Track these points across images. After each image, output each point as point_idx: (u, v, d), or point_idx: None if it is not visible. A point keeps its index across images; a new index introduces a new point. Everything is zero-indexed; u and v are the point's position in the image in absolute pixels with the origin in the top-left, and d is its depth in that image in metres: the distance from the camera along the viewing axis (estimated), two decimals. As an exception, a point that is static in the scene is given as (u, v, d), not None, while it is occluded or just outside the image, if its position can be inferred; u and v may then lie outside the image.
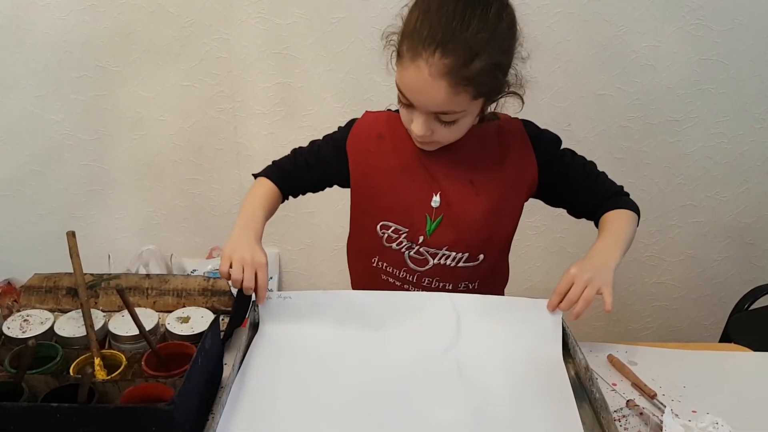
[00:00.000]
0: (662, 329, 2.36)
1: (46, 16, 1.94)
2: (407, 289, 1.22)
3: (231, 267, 1.05)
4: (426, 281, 1.21)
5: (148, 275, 1.23)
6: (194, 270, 2.22)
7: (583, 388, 1.03)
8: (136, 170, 2.17)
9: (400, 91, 1.03)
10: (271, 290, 1.10)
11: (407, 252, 1.19)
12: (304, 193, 1.29)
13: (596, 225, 1.22)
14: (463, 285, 1.22)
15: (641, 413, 0.99)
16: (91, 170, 2.17)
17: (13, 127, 2.09)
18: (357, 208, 1.25)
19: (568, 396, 0.98)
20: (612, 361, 1.14)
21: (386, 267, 1.22)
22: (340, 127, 1.25)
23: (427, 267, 1.19)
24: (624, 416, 1.00)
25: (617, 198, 1.22)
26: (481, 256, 1.19)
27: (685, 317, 2.33)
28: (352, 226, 1.29)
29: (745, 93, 1.97)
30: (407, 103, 1.03)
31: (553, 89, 1.97)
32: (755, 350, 1.22)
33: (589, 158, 1.23)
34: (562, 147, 1.22)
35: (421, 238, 1.17)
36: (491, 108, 1.11)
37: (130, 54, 2.00)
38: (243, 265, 1.04)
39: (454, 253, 1.18)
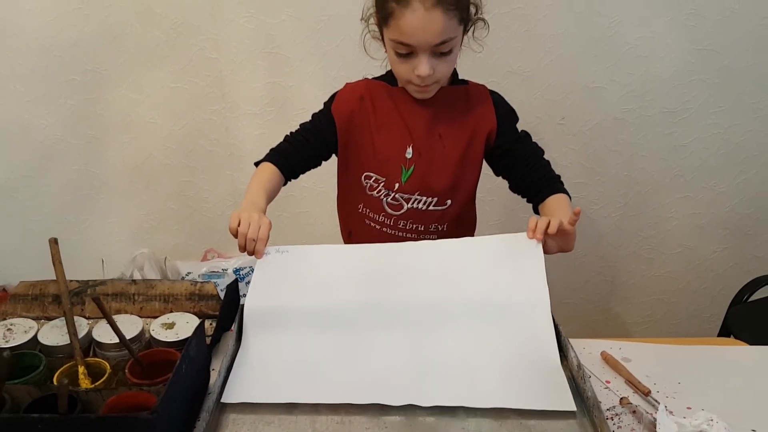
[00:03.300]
0: (661, 323, 2.34)
1: (32, 20, 1.93)
2: (385, 232, 1.37)
3: (239, 225, 1.13)
4: (401, 223, 1.36)
5: (134, 281, 1.21)
6: (189, 273, 2.20)
7: (576, 387, 1.01)
8: (127, 174, 2.16)
9: (398, 43, 1.17)
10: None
11: (385, 198, 1.35)
12: (304, 171, 1.40)
13: (534, 203, 1.34)
14: (433, 226, 1.37)
15: (634, 411, 0.97)
16: (82, 174, 2.15)
17: (1, 133, 2.08)
18: (343, 164, 1.41)
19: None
20: (605, 358, 1.12)
21: (368, 212, 1.39)
22: (324, 103, 1.40)
23: (402, 211, 1.36)
24: (617, 414, 0.98)
25: (558, 184, 1.33)
26: (449, 202, 1.35)
27: (683, 310, 2.32)
28: (340, 181, 1.45)
29: (740, 83, 1.95)
30: (407, 53, 1.18)
31: (546, 83, 1.95)
32: (755, 342, 1.22)
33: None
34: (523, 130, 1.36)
35: (397, 185, 1.34)
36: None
37: (118, 56, 1.98)
38: (250, 222, 1.13)
39: (424, 198, 1.34)
